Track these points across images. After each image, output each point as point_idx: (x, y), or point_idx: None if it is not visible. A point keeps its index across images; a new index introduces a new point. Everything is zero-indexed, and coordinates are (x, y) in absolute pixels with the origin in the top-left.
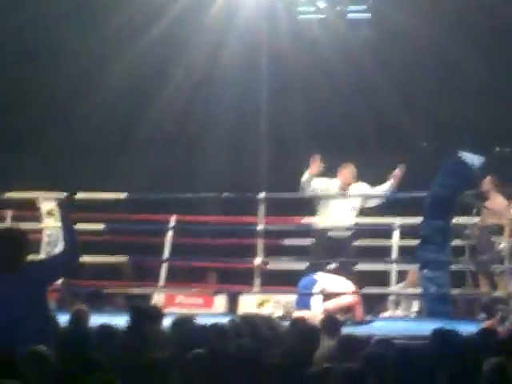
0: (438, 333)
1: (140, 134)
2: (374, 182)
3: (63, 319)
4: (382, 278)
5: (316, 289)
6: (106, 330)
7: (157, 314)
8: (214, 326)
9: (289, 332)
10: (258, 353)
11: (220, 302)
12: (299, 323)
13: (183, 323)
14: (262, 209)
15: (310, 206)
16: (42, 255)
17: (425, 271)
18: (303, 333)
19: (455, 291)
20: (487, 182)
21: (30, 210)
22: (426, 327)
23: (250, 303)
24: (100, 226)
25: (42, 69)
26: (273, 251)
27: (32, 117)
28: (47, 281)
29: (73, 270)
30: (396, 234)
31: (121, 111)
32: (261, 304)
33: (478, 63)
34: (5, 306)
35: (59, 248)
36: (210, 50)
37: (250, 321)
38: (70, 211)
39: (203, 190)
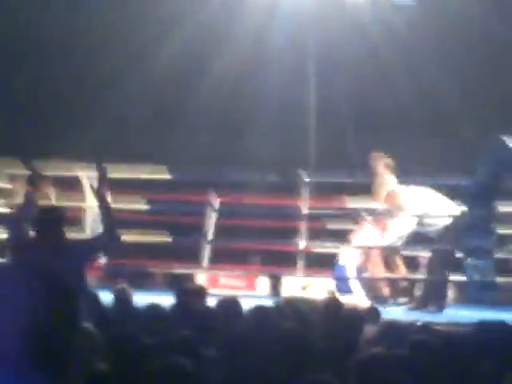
0: (483, 322)
1: (187, 113)
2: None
3: (105, 298)
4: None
5: (349, 274)
6: (153, 309)
7: (203, 294)
8: (258, 309)
9: (332, 316)
10: (302, 337)
11: (263, 284)
12: (342, 307)
13: (228, 304)
14: (306, 191)
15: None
16: (87, 233)
17: (469, 259)
18: (347, 317)
19: (500, 279)
20: None
21: (73, 187)
22: (471, 315)
23: (294, 286)
24: (144, 205)
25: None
26: (316, 234)
27: (82, 92)
28: (88, 259)
29: (114, 250)
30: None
31: (168, 90)
32: (304, 287)
33: None
34: None
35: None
36: (258, 30)
37: (294, 304)
38: (105, 186)
39: (247, 171)
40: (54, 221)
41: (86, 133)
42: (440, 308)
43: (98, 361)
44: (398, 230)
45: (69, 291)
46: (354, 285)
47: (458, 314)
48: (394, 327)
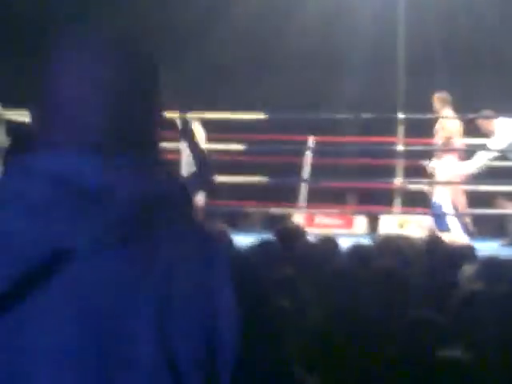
0: None
1: (278, 55)
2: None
3: None
4: None
5: (447, 211)
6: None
7: (301, 233)
8: (357, 247)
9: (431, 253)
10: (403, 275)
11: (360, 222)
12: (441, 244)
13: (327, 242)
14: (401, 129)
15: None
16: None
17: None
18: (446, 254)
19: None
20: None
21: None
22: None
23: (391, 224)
24: (239, 147)
25: None
26: (413, 172)
27: (172, 40)
28: None
29: (209, 190)
30: None
31: (258, 33)
32: (401, 225)
33: None
34: None
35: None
36: None
37: (393, 242)
38: (189, 132)
39: (341, 110)
40: None
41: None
42: None
43: None
44: (475, 163)
45: None
46: (452, 222)
47: None
48: (492, 264)
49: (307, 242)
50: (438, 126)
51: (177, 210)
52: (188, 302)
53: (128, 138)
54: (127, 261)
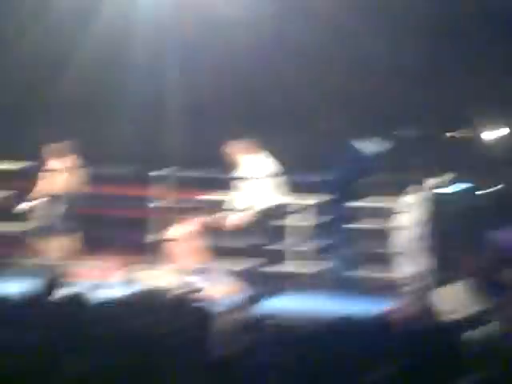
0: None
1: (48, 102)
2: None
3: None
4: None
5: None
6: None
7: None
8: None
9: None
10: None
11: (119, 273)
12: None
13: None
14: (165, 184)
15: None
16: None
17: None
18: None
19: (362, 271)
20: None
21: None
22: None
23: (151, 275)
24: None
25: None
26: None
27: None
28: None
29: None
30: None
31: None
32: (161, 276)
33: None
34: None
35: None
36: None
37: (146, 297)
38: None
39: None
40: None
41: None
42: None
43: None
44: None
45: None
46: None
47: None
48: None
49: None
50: None
51: None
52: None
53: None
54: None
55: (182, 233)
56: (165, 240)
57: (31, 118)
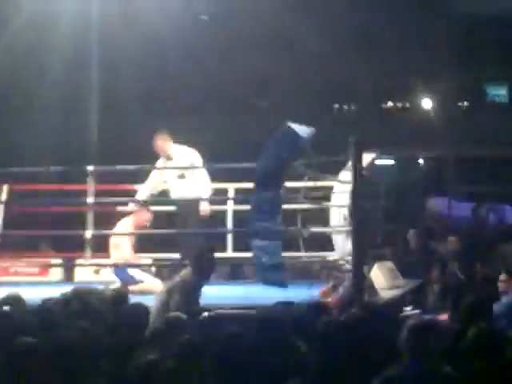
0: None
1: None
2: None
3: None
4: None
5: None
6: None
7: None
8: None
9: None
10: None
11: (55, 270)
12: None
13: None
14: (92, 179)
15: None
16: None
17: (256, 241)
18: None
19: (288, 257)
20: None
21: None
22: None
23: (86, 271)
24: None
25: None
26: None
27: None
28: None
29: None
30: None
31: None
32: (97, 271)
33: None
34: None
35: None
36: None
37: (81, 295)
38: None
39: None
40: None
41: None
42: None
43: None
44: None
45: None
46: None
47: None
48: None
49: None
50: None
51: None
52: None
53: None
54: None
55: (117, 227)
56: (101, 235)
57: None
